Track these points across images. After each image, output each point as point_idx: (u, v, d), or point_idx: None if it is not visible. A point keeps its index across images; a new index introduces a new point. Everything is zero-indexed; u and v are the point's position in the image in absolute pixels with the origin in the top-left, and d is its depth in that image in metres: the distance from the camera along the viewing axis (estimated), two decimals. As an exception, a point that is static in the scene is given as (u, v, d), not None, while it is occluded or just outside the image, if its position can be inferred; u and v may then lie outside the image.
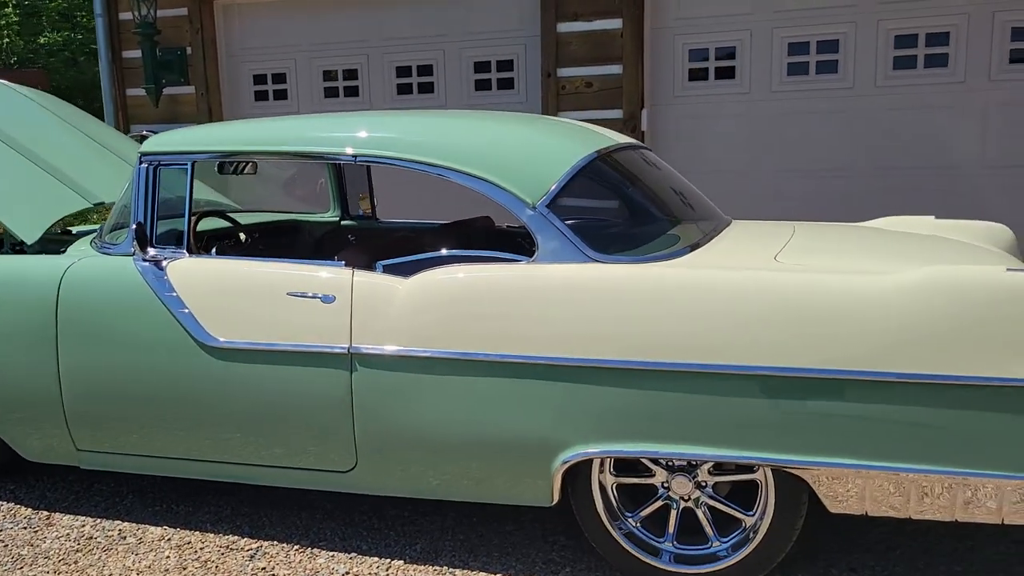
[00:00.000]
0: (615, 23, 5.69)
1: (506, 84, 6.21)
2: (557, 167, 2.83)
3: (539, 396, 2.64)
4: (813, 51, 5.51)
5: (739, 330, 2.47)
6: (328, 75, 6.70)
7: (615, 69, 5.74)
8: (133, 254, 3.12)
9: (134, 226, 3.07)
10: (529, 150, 2.96)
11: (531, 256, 2.74)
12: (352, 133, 3.02)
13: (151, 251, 3.09)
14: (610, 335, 2.58)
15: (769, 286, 2.48)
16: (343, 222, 4.43)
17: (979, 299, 2.33)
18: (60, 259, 3.24)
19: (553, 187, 2.77)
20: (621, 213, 3.14)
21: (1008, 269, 2.37)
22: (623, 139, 3.49)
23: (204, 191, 4.58)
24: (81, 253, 3.28)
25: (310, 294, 2.87)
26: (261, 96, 6.94)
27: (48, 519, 3.30)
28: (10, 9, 23.96)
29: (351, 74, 6.63)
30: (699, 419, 2.53)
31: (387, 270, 2.91)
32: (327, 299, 2.85)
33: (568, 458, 2.65)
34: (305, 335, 2.85)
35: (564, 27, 5.82)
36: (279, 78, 6.85)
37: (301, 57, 6.74)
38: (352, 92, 6.65)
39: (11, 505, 3.41)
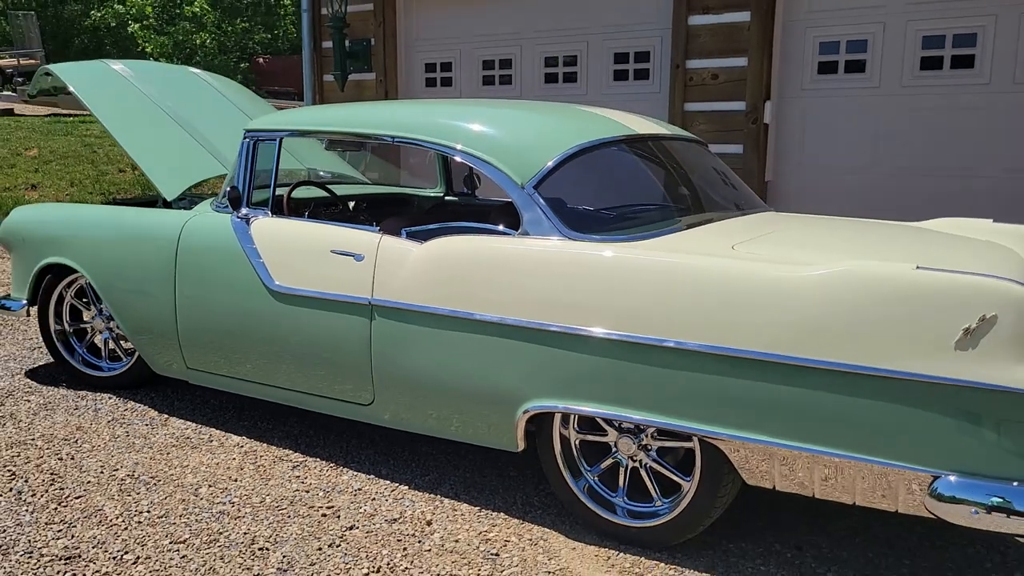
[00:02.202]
0: (743, 16, 5.75)
1: (642, 75, 6.44)
2: (549, 152, 3.16)
3: (509, 353, 3.01)
4: (948, 45, 5.26)
5: (669, 307, 2.71)
6: (486, 64, 7.26)
7: (740, 61, 5.80)
8: (233, 213, 3.83)
9: (228, 189, 3.77)
10: (528, 136, 3.31)
11: (520, 231, 3.11)
12: (390, 118, 3.54)
13: (243, 210, 3.78)
14: (570, 304, 2.89)
15: (694, 270, 2.70)
16: (447, 197, 4.96)
17: (883, 295, 2.42)
18: (184, 213, 4.02)
19: (541, 170, 3.11)
20: (612, 196, 3.39)
21: (918, 267, 2.42)
22: (661, 130, 3.73)
23: (340, 166, 5.33)
24: (201, 210, 4.04)
25: (347, 252, 3.42)
26: (431, 83, 7.65)
27: (165, 421, 4.13)
28: (288, 1, 26.97)
29: (506, 64, 7.15)
30: (637, 386, 2.79)
31: (410, 236, 3.39)
32: (359, 258, 3.39)
33: (529, 408, 3.00)
34: (339, 286, 3.41)
35: (694, 20, 5.96)
36: (446, 67, 7.51)
37: (465, 48, 7.36)
38: (506, 80, 7.17)
39: (144, 407, 4.28)
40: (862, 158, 5.62)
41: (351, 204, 4.60)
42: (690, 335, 2.67)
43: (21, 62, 23.83)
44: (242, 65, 30.05)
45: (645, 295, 2.76)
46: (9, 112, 17.46)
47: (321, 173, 5.17)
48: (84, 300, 4.53)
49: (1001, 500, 2.28)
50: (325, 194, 4.48)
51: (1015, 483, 2.29)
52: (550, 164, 3.13)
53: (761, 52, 5.72)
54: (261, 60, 28.40)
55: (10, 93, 20.58)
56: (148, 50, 28.87)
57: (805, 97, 5.79)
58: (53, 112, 16.93)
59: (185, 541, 3.01)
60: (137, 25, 29.05)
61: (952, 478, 2.36)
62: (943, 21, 5.24)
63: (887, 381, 2.40)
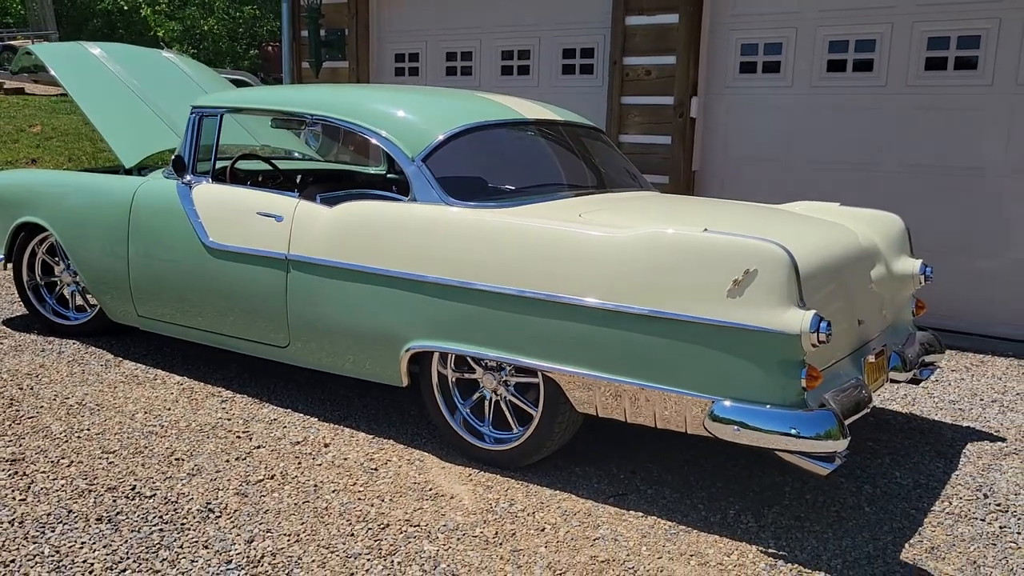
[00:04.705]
0: (673, 18, 6.22)
1: (587, 70, 6.93)
2: (436, 130, 3.68)
3: (395, 300, 3.53)
4: (851, 49, 5.73)
5: (517, 261, 3.22)
6: (450, 56, 7.76)
7: (670, 60, 6.28)
8: (178, 179, 4.35)
9: (174, 157, 4.30)
10: (420, 116, 3.82)
11: (409, 198, 3.63)
12: (311, 99, 4.06)
13: (187, 177, 4.30)
14: (443, 259, 3.41)
15: (536, 231, 3.22)
16: (388, 175, 5.48)
17: (675, 252, 2.92)
18: (138, 179, 4.55)
19: (429, 145, 3.63)
20: (493, 170, 3.88)
21: (705, 230, 2.92)
22: (553, 116, 4.24)
23: (299, 146, 5.86)
24: (153, 177, 4.57)
25: (269, 214, 3.94)
26: (400, 71, 8.15)
27: (119, 363, 4.66)
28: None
29: (467, 56, 7.64)
30: (494, 329, 3.30)
31: (323, 201, 3.91)
32: (279, 219, 3.91)
33: (410, 347, 3.52)
34: (262, 243, 3.93)
35: (631, 20, 6.44)
36: (413, 57, 8.02)
37: (431, 40, 7.86)
38: (467, 71, 7.66)
39: (102, 351, 4.82)
40: (777, 151, 6.10)
41: (297, 178, 5.12)
42: (531, 284, 3.18)
43: (35, 43, 24.50)
44: (251, 52, 30.64)
45: (500, 251, 3.27)
46: (20, 91, 18.08)
47: (297, 153, 5.72)
48: (55, 257, 5.07)
49: (753, 420, 2.78)
50: (272, 168, 5.00)
51: (767, 406, 2.80)
52: (437, 140, 3.64)
53: (688, 51, 6.20)
54: (270, 47, 29.03)
55: (25, 73, 21.17)
56: (160, 34, 29.48)
57: (728, 94, 6.26)
58: (62, 92, 17.54)
59: (115, 452, 3.54)
60: (149, 10, 29.66)
61: (727, 403, 2.86)
62: (847, 28, 5.70)
63: (678, 323, 2.91)
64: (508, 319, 3.26)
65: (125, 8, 30.97)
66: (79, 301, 5.08)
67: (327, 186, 4.22)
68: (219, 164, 4.35)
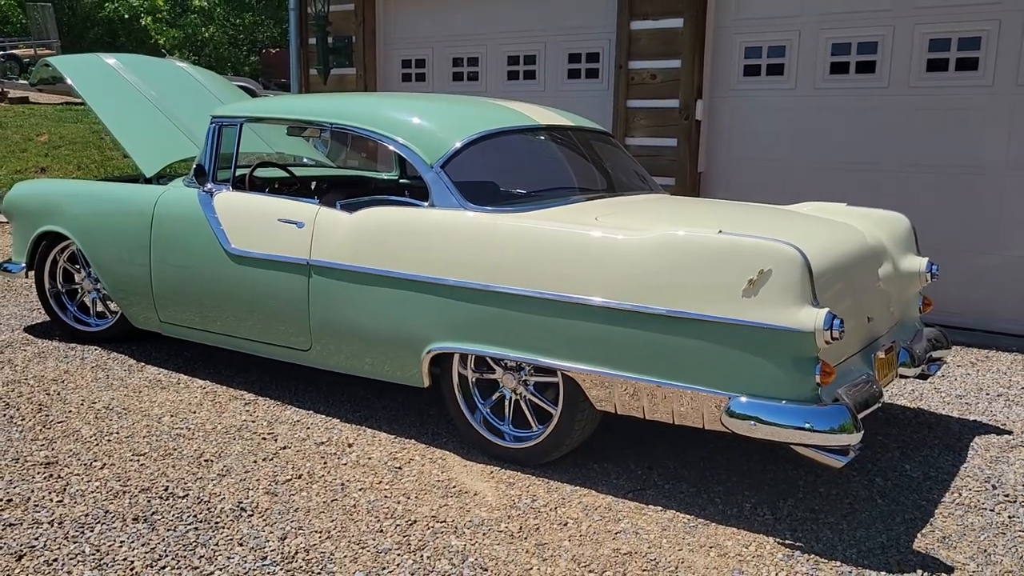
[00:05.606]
0: (678, 22, 6.33)
1: (592, 74, 7.03)
2: (454, 137, 3.77)
3: (416, 303, 3.63)
4: (854, 52, 5.83)
5: (535, 264, 3.32)
6: (456, 62, 7.86)
7: (675, 63, 6.38)
8: (199, 187, 4.45)
9: (195, 166, 4.40)
10: (438, 123, 3.92)
11: (428, 203, 3.73)
12: (330, 109, 4.17)
13: (208, 185, 4.40)
14: (463, 262, 3.51)
15: (553, 234, 3.32)
16: (401, 180, 5.58)
17: (690, 253, 3.02)
18: (159, 188, 4.65)
19: (447, 152, 3.73)
20: (509, 175, 3.99)
21: (720, 232, 3.01)
22: (564, 121, 4.34)
23: (313, 153, 5.96)
24: (174, 185, 4.66)
25: (290, 220, 4.04)
26: (407, 77, 8.25)
27: (141, 368, 4.76)
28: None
29: (473, 61, 7.75)
30: (514, 330, 3.40)
31: (343, 207, 4.00)
32: (300, 225, 4.00)
33: (431, 349, 3.61)
34: (284, 248, 4.02)
35: (636, 24, 6.54)
36: (420, 63, 8.12)
37: (437, 46, 7.96)
38: (473, 77, 7.77)
39: (125, 357, 4.92)
40: (781, 152, 6.20)
41: (313, 184, 5.22)
42: (550, 286, 3.28)
43: (37, 52, 24.67)
44: (252, 58, 30.77)
45: (518, 254, 3.37)
46: (24, 100, 18.20)
47: (307, 159, 5.83)
48: (75, 264, 5.17)
49: (768, 415, 2.88)
50: (289, 175, 5.11)
51: (782, 402, 2.89)
52: (454, 147, 3.74)
53: (693, 55, 6.30)
54: (271, 52, 29.18)
55: (25, 82, 21.34)
56: (161, 42, 29.61)
57: (733, 96, 6.36)
58: (66, 100, 17.68)
59: (145, 454, 3.64)
60: (149, 18, 29.78)
61: (743, 399, 2.95)
62: (849, 30, 5.80)
63: (694, 322, 3.00)
64: (527, 320, 3.35)
65: (126, 16, 31.08)
66: (100, 308, 5.18)
67: (345, 192, 4.31)
68: (238, 172, 4.45)
